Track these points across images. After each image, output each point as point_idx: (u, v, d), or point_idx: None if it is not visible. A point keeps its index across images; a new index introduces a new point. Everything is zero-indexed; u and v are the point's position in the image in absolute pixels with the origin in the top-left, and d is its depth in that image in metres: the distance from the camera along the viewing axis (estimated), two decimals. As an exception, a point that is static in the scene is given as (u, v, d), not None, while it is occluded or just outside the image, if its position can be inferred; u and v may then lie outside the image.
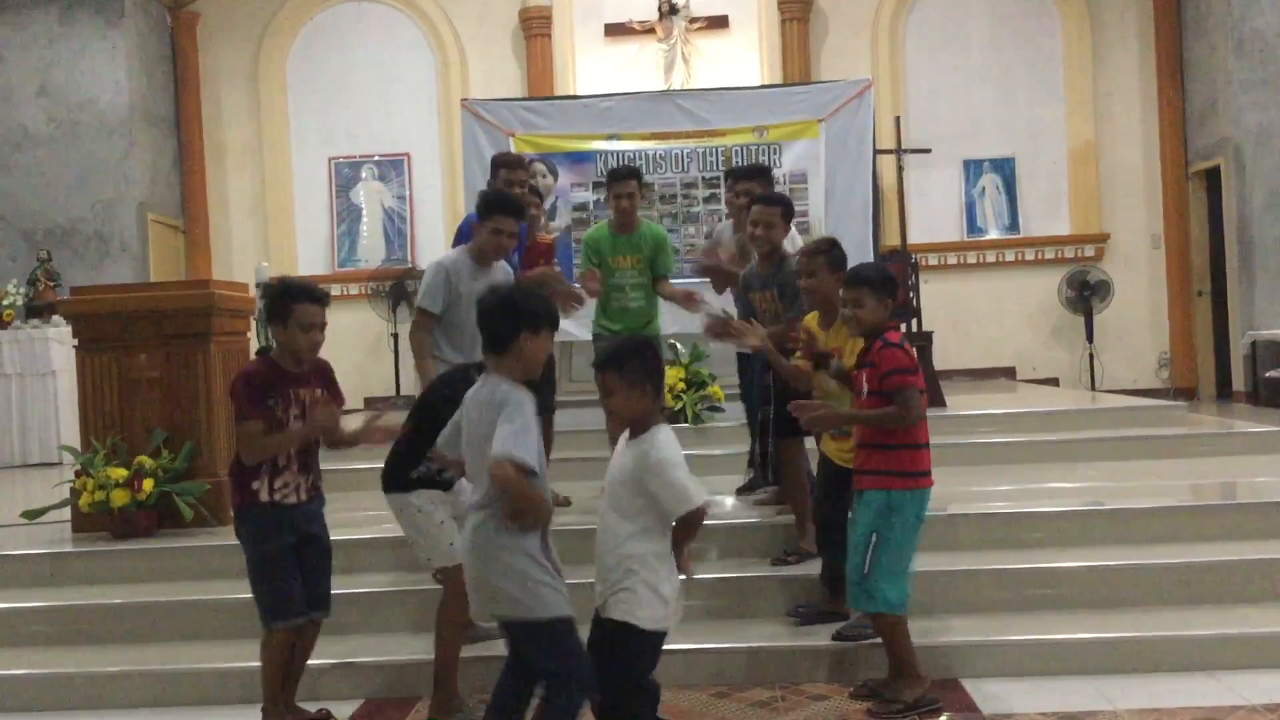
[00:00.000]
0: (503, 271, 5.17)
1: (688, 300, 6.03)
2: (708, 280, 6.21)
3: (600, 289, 6.03)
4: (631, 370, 3.33)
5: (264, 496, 3.81)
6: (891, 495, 3.96)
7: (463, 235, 5.41)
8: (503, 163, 6.09)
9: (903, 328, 8.69)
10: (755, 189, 5.94)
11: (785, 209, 5.25)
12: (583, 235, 7.16)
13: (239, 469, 3.84)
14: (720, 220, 7.53)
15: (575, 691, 3.24)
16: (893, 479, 3.97)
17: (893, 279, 4.16)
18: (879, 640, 4.20)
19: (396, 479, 4.05)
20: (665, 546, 3.32)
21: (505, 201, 5.12)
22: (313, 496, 3.96)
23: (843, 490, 4.30)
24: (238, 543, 3.87)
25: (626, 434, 3.42)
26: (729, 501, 5.95)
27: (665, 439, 3.31)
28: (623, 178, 6.16)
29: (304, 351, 3.84)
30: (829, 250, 4.56)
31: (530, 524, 3.20)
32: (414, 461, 3.97)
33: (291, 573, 3.85)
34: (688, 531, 3.36)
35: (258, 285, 6.53)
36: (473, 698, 4.09)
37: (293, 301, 3.81)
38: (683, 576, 3.40)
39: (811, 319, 4.63)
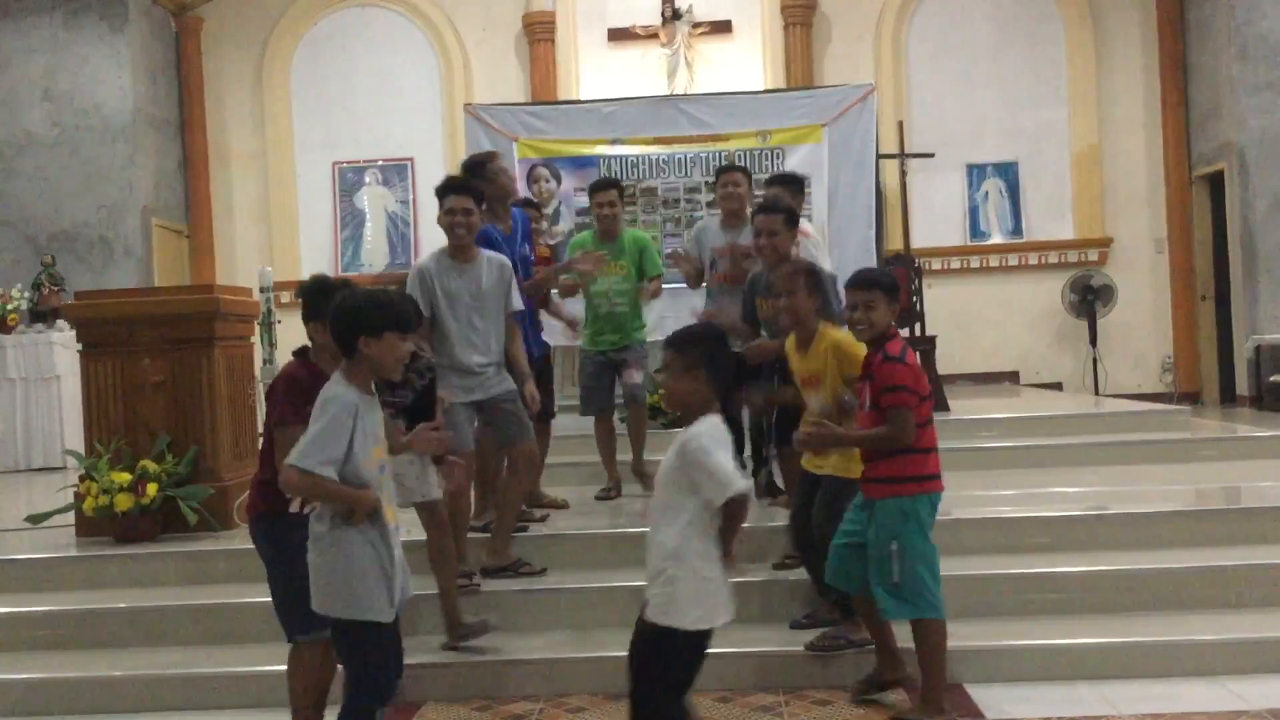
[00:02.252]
0: (490, 268, 5.04)
1: (652, 289, 6.30)
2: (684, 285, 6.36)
3: (593, 269, 6.07)
4: (690, 355, 3.29)
5: (295, 506, 3.62)
6: (904, 501, 3.93)
7: (488, 241, 5.37)
8: (482, 160, 5.92)
9: (904, 333, 8.70)
10: (740, 180, 6.06)
11: (788, 215, 5.27)
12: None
13: (270, 475, 3.64)
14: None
15: (369, 696, 3.27)
16: (905, 485, 3.94)
17: (899, 284, 4.16)
18: (852, 650, 4.26)
19: None
20: (709, 543, 3.24)
21: (451, 182, 5.12)
22: None
23: (813, 498, 4.36)
24: (241, 547, 3.84)
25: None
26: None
27: (708, 426, 3.25)
28: (603, 188, 6.32)
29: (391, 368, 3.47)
30: (810, 272, 4.53)
31: (357, 519, 3.20)
32: None
33: None
34: (732, 522, 3.26)
35: (261, 290, 6.53)
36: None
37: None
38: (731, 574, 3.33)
39: (791, 342, 4.61)
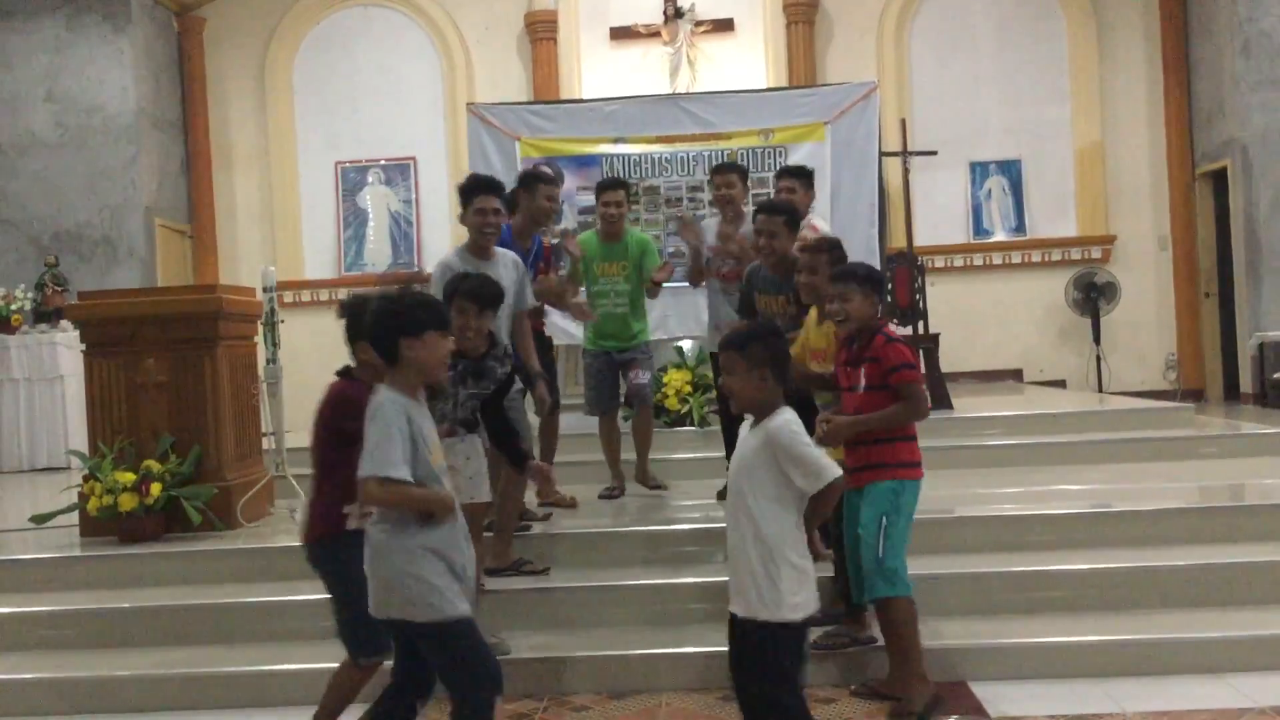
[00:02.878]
0: (506, 265, 5.10)
1: (664, 269, 6.25)
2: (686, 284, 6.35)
3: (580, 251, 6.14)
4: (753, 354, 3.32)
5: (352, 523, 3.55)
6: (899, 483, 4.02)
7: (503, 240, 5.40)
8: (542, 178, 5.96)
9: (907, 331, 8.70)
10: (735, 180, 6.04)
11: (789, 216, 5.25)
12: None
13: (335, 489, 3.56)
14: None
15: (485, 689, 3.21)
16: (899, 469, 4.04)
17: (880, 278, 4.21)
18: (856, 648, 4.29)
19: None
20: (800, 530, 3.28)
21: (481, 181, 5.14)
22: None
23: None
24: (245, 547, 3.82)
25: (749, 422, 3.41)
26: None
27: (792, 417, 3.30)
28: (610, 187, 6.32)
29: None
30: (831, 250, 4.58)
31: (437, 521, 3.16)
32: None
33: None
34: (821, 507, 3.31)
35: (265, 289, 6.53)
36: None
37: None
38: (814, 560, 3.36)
39: (813, 316, 4.65)
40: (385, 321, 3.21)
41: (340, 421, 3.53)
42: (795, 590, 3.22)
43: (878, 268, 8.69)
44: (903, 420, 4.03)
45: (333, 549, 3.64)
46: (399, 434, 3.09)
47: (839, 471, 3.27)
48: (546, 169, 6.23)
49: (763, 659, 3.23)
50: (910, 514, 4.06)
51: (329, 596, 3.71)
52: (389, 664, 3.44)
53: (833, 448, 4.38)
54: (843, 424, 4.07)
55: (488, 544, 5.07)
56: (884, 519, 3.97)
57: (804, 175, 6.16)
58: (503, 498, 5.08)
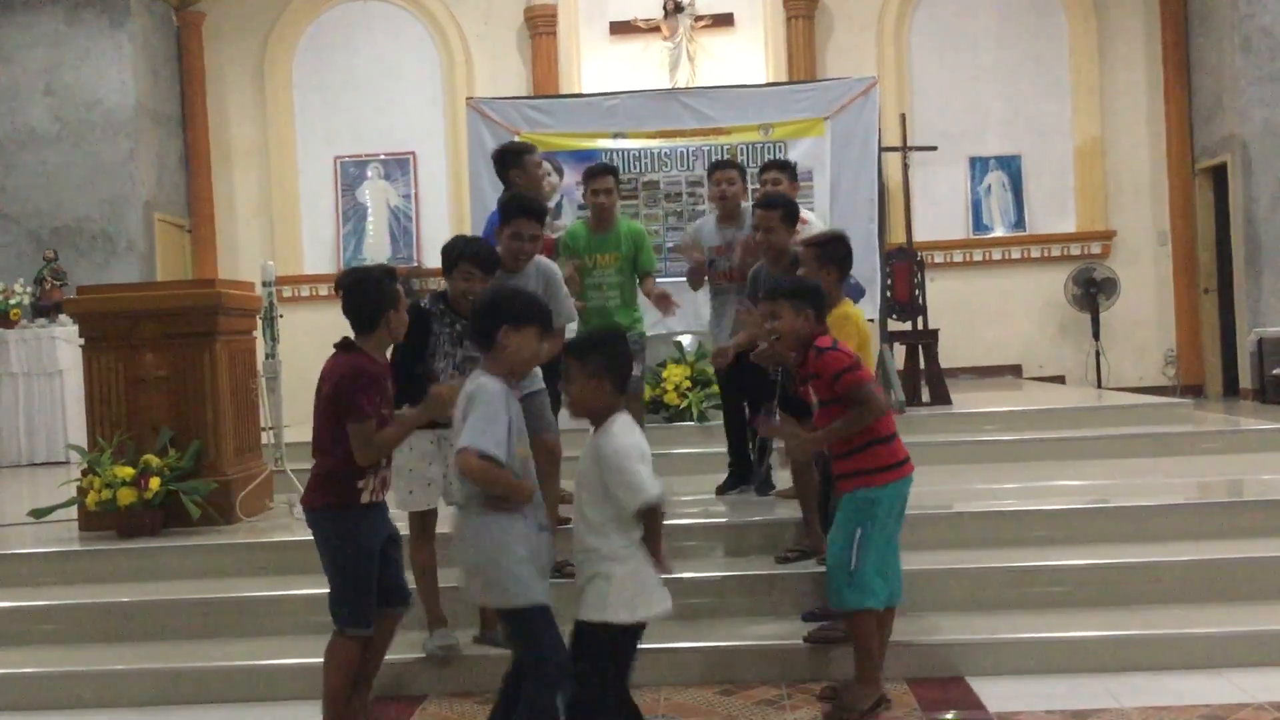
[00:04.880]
0: (535, 273, 4.90)
1: (661, 301, 6.03)
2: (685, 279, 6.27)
3: (578, 281, 5.92)
4: (592, 362, 3.31)
5: (365, 498, 3.70)
6: (872, 491, 3.93)
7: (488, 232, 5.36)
8: (520, 150, 5.88)
9: (906, 326, 8.69)
10: (735, 177, 5.99)
11: (786, 210, 5.24)
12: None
13: (345, 469, 3.68)
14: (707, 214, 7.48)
15: (548, 680, 3.27)
16: (874, 476, 3.94)
17: (813, 290, 4.09)
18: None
19: None
20: (634, 539, 3.27)
21: (527, 205, 4.90)
22: (385, 490, 3.91)
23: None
24: (245, 541, 3.84)
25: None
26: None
27: (619, 429, 3.29)
28: (599, 174, 6.08)
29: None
30: (824, 244, 4.56)
31: (512, 507, 3.28)
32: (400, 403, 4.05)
33: (373, 579, 3.77)
34: (652, 526, 3.29)
35: (264, 284, 6.53)
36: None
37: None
38: (666, 575, 3.36)
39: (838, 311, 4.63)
40: (493, 308, 3.38)
41: (355, 396, 3.64)
42: (615, 599, 3.23)
43: (877, 264, 8.76)
44: (859, 424, 3.89)
45: (338, 519, 3.73)
46: (499, 419, 3.24)
47: (657, 491, 3.21)
48: (516, 140, 6.14)
49: (584, 655, 3.29)
50: (891, 518, 3.96)
51: (321, 555, 3.79)
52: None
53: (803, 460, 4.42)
54: (803, 442, 4.04)
55: None
56: (858, 531, 3.89)
57: (789, 168, 6.14)
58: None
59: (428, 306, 4.47)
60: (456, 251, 4.44)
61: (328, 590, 3.80)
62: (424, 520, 4.47)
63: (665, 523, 5.00)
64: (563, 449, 4.97)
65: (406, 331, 3.95)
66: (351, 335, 3.82)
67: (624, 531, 3.27)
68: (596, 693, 3.28)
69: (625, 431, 3.29)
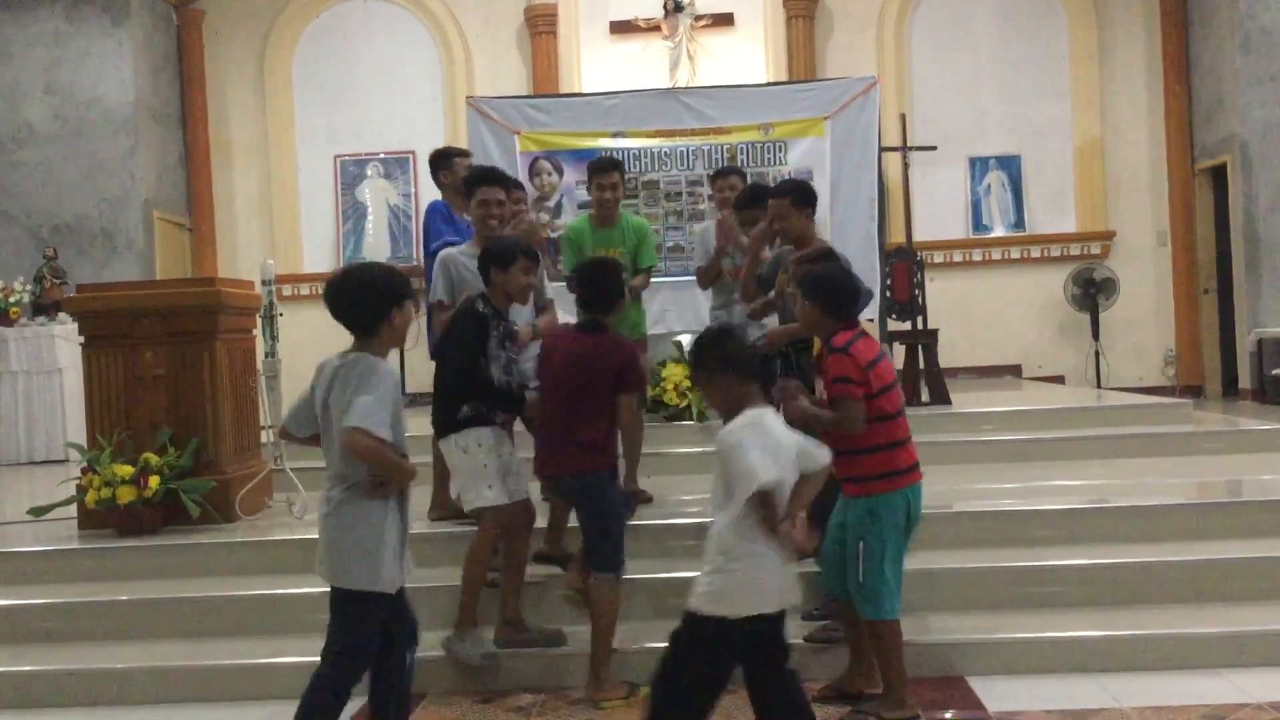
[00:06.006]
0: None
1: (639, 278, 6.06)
2: (693, 277, 6.23)
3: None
4: (707, 363, 3.40)
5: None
6: (872, 500, 3.89)
7: (428, 231, 5.50)
8: (452, 153, 6.12)
9: (905, 326, 8.68)
10: (737, 183, 5.98)
11: (796, 195, 5.12)
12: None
13: (607, 438, 4.25)
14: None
15: (348, 670, 3.37)
16: (873, 483, 3.89)
17: (834, 286, 4.06)
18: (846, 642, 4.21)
19: (446, 423, 4.29)
20: (753, 536, 3.24)
21: (485, 172, 5.15)
22: None
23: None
24: (244, 540, 3.86)
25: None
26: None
27: (742, 422, 3.29)
28: (605, 168, 6.01)
29: None
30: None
31: (392, 491, 3.35)
32: (458, 403, 4.27)
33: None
34: (764, 515, 3.24)
35: (263, 282, 6.53)
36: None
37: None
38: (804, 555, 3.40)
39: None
40: (376, 292, 3.40)
41: (637, 370, 4.26)
42: (726, 593, 3.25)
43: (877, 264, 8.76)
44: (829, 427, 3.84)
45: (604, 481, 4.25)
46: (392, 401, 3.30)
47: (768, 479, 3.16)
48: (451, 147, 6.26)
49: (685, 647, 3.30)
50: (895, 525, 3.90)
51: (586, 521, 4.25)
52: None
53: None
54: (796, 409, 3.93)
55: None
56: (860, 544, 3.86)
57: (740, 173, 6.24)
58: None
59: (483, 310, 4.46)
60: (516, 249, 4.52)
61: (586, 544, 4.26)
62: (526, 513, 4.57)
63: (665, 522, 5.05)
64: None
65: (469, 335, 4.24)
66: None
67: (739, 530, 3.24)
68: (686, 687, 3.26)
69: (748, 423, 3.28)
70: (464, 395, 4.35)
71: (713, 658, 3.26)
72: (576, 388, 4.19)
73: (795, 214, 5.11)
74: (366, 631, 3.38)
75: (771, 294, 5.30)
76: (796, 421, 4.12)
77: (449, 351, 4.51)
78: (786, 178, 6.37)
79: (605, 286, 4.31)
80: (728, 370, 3.34)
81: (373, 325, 3.38)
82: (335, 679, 3.36)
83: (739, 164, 8.79)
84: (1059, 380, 11.91)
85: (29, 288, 10.44)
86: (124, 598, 5.04)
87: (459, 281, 5.01)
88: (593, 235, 6.07)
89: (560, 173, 9.21)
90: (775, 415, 3.39)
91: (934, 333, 8.80)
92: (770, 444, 3.24)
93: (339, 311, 3.41)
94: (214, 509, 5.71)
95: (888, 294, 8.87)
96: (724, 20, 12.24)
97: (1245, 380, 11.22)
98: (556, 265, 6.19)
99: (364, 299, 3.38)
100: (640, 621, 4.68)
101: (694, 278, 6.69)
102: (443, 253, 5.24)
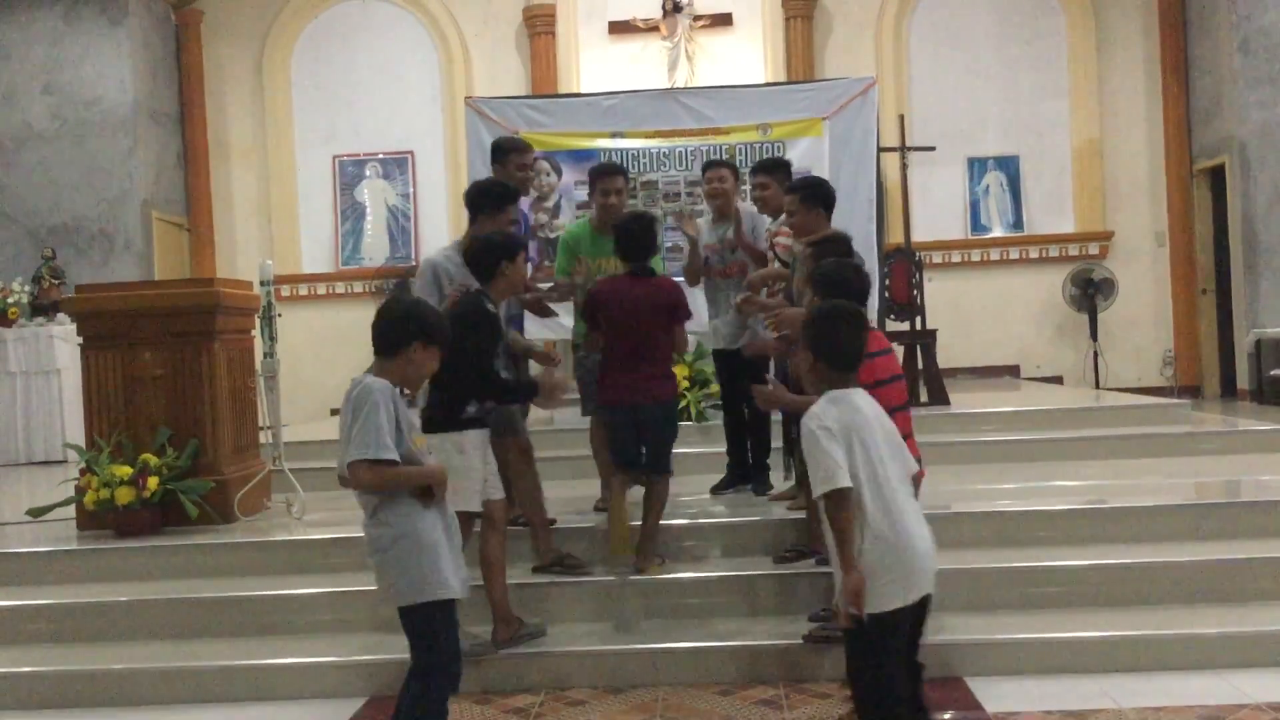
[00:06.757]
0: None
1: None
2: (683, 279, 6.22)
3: (586, 274, 5.69)
4: (807, 340, 3.43)
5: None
6: None
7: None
8: (511, 148, 5.90)
9: (904, 327, 8.69)
10: (726, 175, 5.95)
11: (806, 193, 5.07)
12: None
13: (669, 364, 5.03)
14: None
15: (439, 684, 3.32)
16: None
17: (839, 282, 3.98)
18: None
19: (446, 419, 4.25)
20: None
21: (509, 192, 5.19)
22: None
23: None
24: (242, 540, 3.84)
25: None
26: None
27: (822, 408, 3.27)
28: (611, 173, 5.87)
29: None
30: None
31: (439, 494, 3.31)
32: (463, 402, 4.28)
33: None
34: (830, 519, 3.22)
35: (262, 283, 6.53)
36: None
37: None
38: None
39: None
40: (409, 322, 3.35)
41: (676, 305, 4.91)
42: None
43: (876, 264, 8.75)
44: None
45: (675, 406, 5.09)
46: (383, 417, 3.20)
47: (842, 483, 3.15)
48: (513, 136, 6.17)
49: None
50: None
51: (655, 437, 4.93)
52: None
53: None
54: (773, 394, 4.00)
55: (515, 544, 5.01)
56: None
57: (779, 169, 5.99)
58: (524, 494, 4.99)
59: (492, 309, 4.49)
60: (519, 240, 4.84)
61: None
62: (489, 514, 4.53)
63: (662, 523, 5.05)
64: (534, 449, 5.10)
65: (486, 338, 4.34)
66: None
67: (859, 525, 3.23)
68: (874, 690, 3.28)
69: (825, 410, 3.26)
70: (471, 394, 4.33)
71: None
72: (642, 327, 4.82)
73: (775, 188, 5.20)
74: (443, 644, 3.33)
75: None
76: (766, 405, 4.23)
77: (467, 350, 4.45)
78: (804, 175, 6.30)
79: (644, 240, 4.98)
80: (822, 356, 3.39)
81: (387, 350, 3.34)
82: (428, 699, 3.32)
83: (738, 164, 8.77)
84: (1057, 381, 11.92)
85: (27, 288, 10.44)
86: (123, 598, 5.03)
87: (452, 286, 4.97)
88: (591, 241, 5.85)
89: (559, 173, 9.19)
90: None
91: (933, 333, 8.81)
92: (849, 430, 3.23)
93: (374, 326, 3.41)
94: (212, 510, 5.71)
95: (886, 294, 8.88)
96: (722, 20, 12.25)
97: (1243, 381, 11.23)
98: (549, 266, 6.14)
99: (390, 326, 3.36)
100: (638, 621, 4.68)
101: (675, 277, 6.69)
102: (428, 260, 5.24)
